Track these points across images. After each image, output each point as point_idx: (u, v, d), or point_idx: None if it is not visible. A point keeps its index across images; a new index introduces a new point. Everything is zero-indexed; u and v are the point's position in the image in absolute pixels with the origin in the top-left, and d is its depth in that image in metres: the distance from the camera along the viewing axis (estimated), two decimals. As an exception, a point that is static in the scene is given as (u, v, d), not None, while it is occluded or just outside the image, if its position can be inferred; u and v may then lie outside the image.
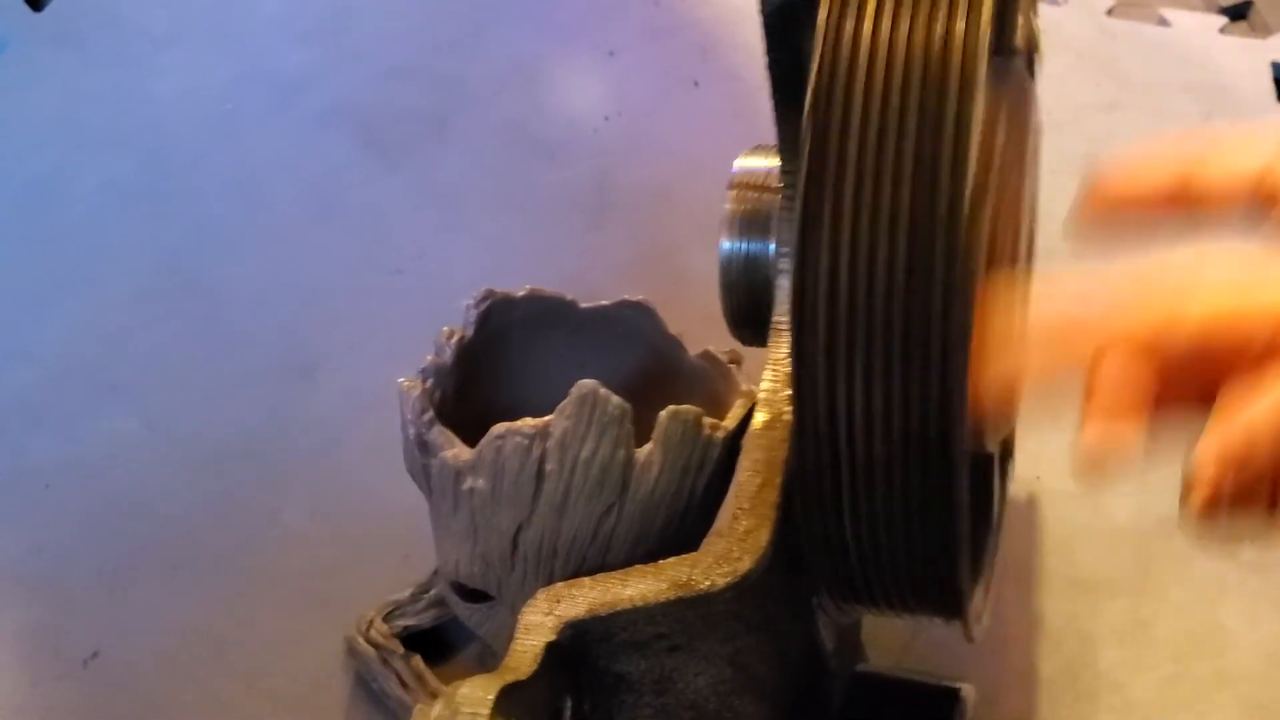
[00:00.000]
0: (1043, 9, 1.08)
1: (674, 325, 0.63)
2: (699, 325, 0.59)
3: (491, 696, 0.42)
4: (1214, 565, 0.70)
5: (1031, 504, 0.72)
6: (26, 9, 1.00)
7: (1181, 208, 0.40)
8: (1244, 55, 1.01)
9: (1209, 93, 0.99)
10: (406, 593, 0.66)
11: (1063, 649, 0.66)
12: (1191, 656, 0.66)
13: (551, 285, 0.64)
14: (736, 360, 0.59)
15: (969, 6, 0.41)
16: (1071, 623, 0.67)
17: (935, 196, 0.40)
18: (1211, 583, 0.69)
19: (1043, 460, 0.73)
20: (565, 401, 0.51)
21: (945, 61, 0.40)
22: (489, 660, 0.48)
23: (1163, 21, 1.05)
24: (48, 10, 1.00)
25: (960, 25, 0.41)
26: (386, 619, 0.65)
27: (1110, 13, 1.05)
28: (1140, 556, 0.70)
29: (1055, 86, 1.01)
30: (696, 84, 0.96)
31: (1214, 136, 0.40)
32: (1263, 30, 1.05)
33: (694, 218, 0.82)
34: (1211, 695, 0.64)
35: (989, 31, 0.41)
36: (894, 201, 0.40)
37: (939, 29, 0.41)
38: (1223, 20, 1.05)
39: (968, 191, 0.40)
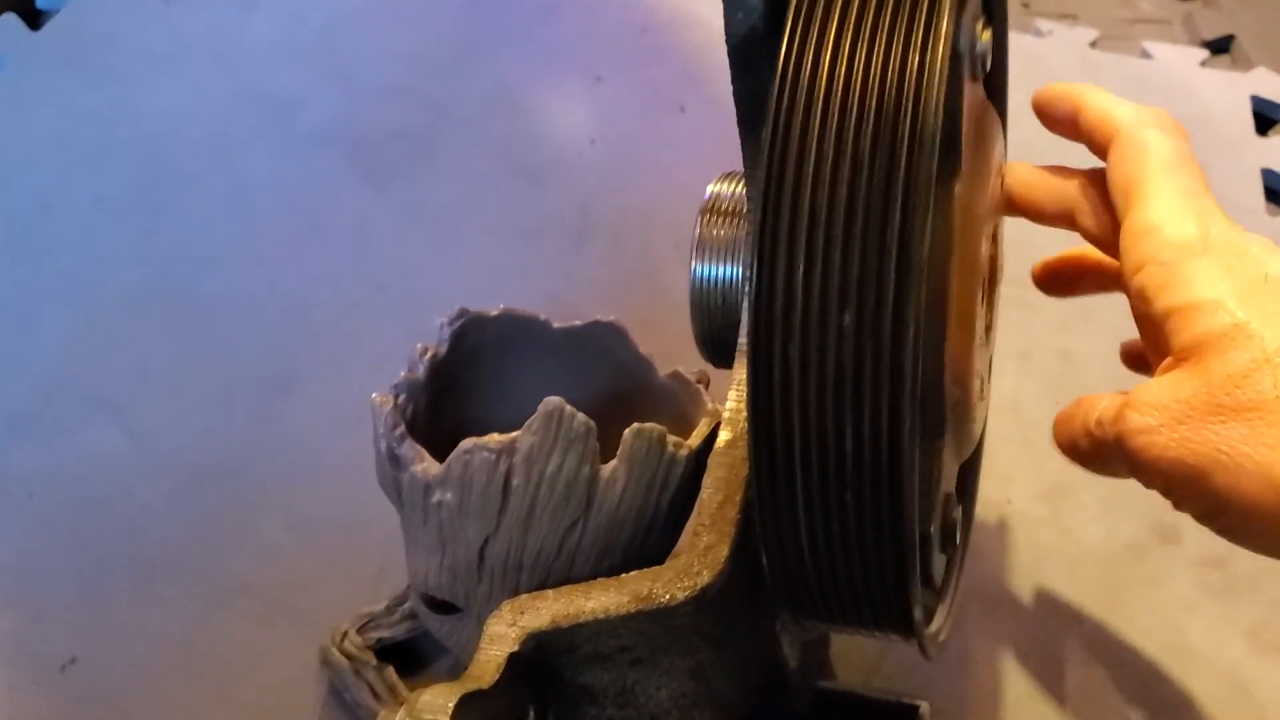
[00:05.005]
0: (1027, 41, 1.08)
1: (652, 345, 0.62)
2: (677, 345, 0.58)
3: (451, 704, 0.42)
4: (1181, 589, 0.69)
5: (1002, 527, 0.72)
6: (25, 27, 1.00)
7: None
8: (1224, 88, 1.00)
9: (1189, 124, 0.96)
10: (381, 605, 0.66)
11: (1029, 671, 0.66)
12: (1157, 680, 0.66)
13: (533, 305, 0.63)
14: (704, 381, 0.59)
15: (926, 39, 0.41)
16: (1038, 645, 0.67)
17: (887, 233, 0.40)
18: (1178, 607, 0.68)
19: (1014, 484, 0.74)
20: (532, 418, 0.51)
21: (900, 96, 0.40)
22: (460, 673, 0.48)
23: (1145, 54, 1.04)
24: (46, 29, 1.00)
25: (915, 59, 0.40)
26: (361, 630, 0.65)
27: (1094, 45, 1.05)
28: (1108, 580, 0.70)
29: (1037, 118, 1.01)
30: (682, 109, 0.96)
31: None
32: (1244, 63, 1.04)
33: (675, 240, 0.82)
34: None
35: (945, 65, 0.40)
36: (847, 235, 0.40)
37: (895, 63, 0.40)
38: (1204, 53, 1.04)
39: (922, 223, 0.39)
